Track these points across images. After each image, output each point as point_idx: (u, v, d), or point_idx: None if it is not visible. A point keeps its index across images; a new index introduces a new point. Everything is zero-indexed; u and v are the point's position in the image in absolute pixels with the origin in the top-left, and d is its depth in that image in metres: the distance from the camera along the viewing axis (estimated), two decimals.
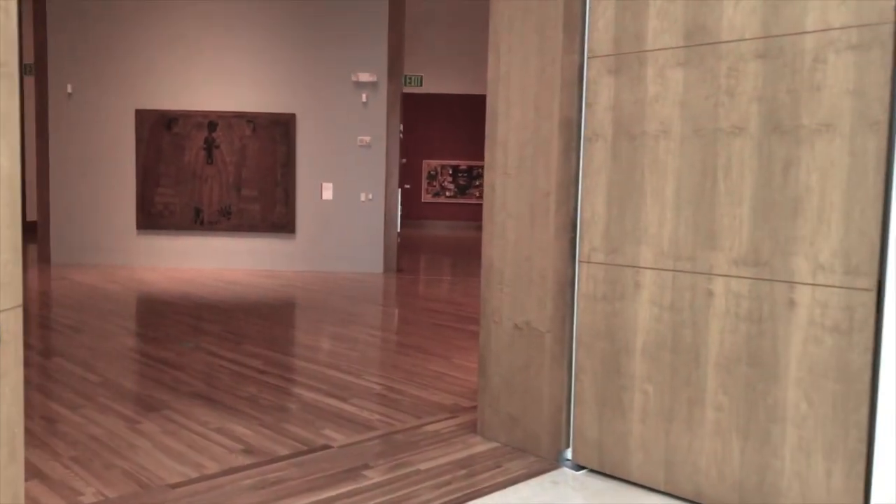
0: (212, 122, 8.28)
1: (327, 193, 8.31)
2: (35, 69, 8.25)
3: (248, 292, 6.71)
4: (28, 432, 2.92)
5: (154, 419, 3.14)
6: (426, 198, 16.64)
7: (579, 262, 2.73)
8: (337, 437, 3.00)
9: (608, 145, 2.63)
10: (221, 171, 8.32)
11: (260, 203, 8.33)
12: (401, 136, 8.34)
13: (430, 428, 3.13)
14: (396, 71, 8.26)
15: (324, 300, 6.39)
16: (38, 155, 8.31)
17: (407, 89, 8.30)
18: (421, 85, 8.59)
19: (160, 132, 8.29)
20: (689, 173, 2.41)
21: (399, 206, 8.36)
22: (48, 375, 3.79)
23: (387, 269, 8.32)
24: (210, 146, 8.30)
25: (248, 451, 2.82)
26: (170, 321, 5.33)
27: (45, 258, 8.41)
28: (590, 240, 2.69)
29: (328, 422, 3.17)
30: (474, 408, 3.33)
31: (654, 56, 2.48)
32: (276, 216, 8.33)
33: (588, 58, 2.66)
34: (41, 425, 3.03)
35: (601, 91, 2.64)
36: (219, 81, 8.28)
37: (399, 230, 8.41)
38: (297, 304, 6.31)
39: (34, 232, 8.53)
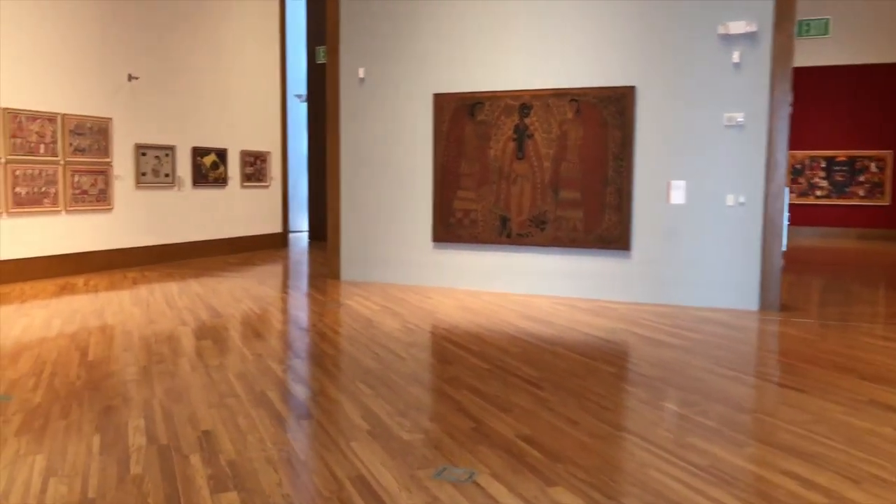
0: (524, 104, 6.36)
1: (678, 195, 5.91)
2: (327, 52, 7.04)
3: (563, 341, 4.61)
4: None
5: None
6: (790, 198, 13.25)
7: None
8: None
9: None
10: (535, 168, 6.36)
11: (584, 209, 6.21)
12: (790, 108, 5.65)
13: None
14: (786, 16, 5.58)
15: (679, 366, 4.05)
16: (330, 148, 7.09)
17: (801, 46, 5.46)
18: (827, 32, 5.79)
19: (462, 120, 6.58)
20: None
21: (787, 214, 5.68)
22: None
23: (764, 307, 5.68)
24: (521, 136, 6.39)
25: None
26: (440, 404, 3.41)
27: (335, 273, 7.19)
28: None
29: None
30: None
31: None
32: (606, 227, 6.15)
33: None
34: None
35: None
36: (533, 52, 6.32)
37: (785, 248, 5.72)
38: (634, 374, 4.05)
39: (325, 239, 7.40)
